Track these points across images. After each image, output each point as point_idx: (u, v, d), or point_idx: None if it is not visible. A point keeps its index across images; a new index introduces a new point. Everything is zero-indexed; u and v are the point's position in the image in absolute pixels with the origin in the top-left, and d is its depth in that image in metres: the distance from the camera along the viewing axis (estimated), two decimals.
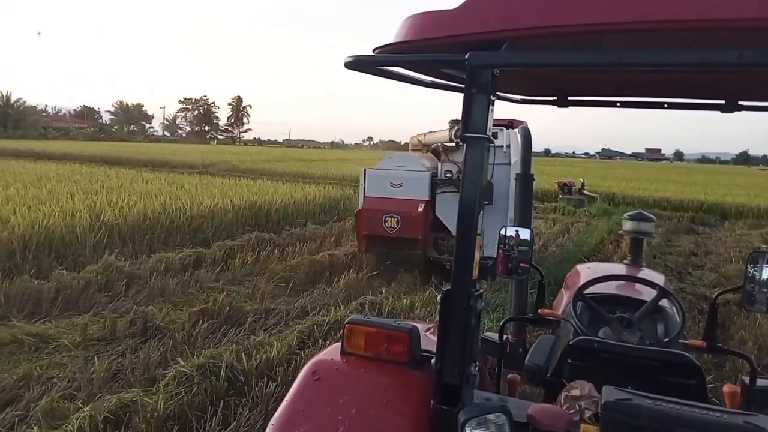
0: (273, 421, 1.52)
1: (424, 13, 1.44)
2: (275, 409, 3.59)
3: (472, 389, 1.49)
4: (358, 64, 1.49)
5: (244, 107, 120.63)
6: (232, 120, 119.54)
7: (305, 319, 5.61)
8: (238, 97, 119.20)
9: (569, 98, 2.67)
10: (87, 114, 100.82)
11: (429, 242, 7.73)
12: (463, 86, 2.10)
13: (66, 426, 3.21)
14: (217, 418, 3.44)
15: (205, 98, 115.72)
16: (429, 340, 1.73)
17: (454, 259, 1.45)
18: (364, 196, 7.99)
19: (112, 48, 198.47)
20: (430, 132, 8.45)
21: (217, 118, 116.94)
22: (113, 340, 4.98)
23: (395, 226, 7.63)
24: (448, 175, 7.49)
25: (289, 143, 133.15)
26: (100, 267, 6.68)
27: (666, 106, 2.51)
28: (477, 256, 1.48)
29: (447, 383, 1.43)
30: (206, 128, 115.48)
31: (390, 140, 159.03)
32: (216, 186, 13.94)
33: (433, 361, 1.52)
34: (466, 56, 1.31)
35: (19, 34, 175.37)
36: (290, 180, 23.84)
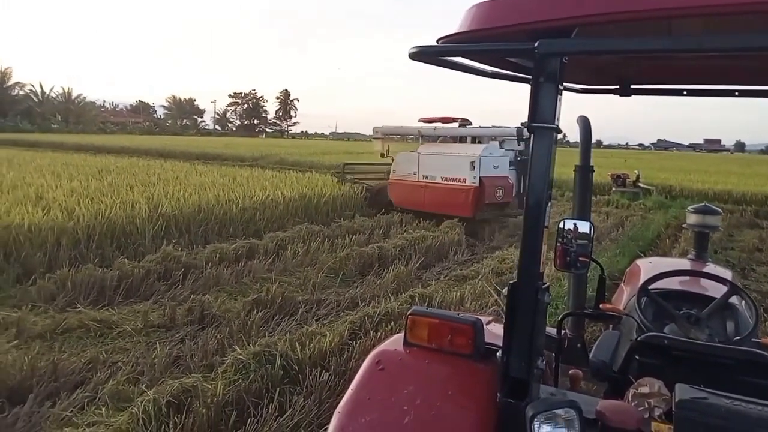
0: (339, 408, 1.54)
1: (490, 1, 1.42)
2: (329, 398, 3.68)
3: (538, 383, 1.47)
4: (422, 54, 1.48)
5: (292, 101, 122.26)
6: (280, 113, 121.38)
7: (355, 311, 5.66)
8: (286, 90, 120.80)
9: (632, 87, 2.58)
10: (142, 109, 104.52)
11: (512, 196, 11.38)
12: (525, 75, 2.07)
13: (131, 408, 3.35)
14: (273, 405, 3.51)
15: (254, 92, 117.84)
16: (490, 333, 1.72)
17: (521, 252, 1.43)
18: (479, 176, 10.67)
19: (164, 44, 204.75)
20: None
21: (265, 111, 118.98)
22: (172, 327, 5.16)
23: (502, 194, 11.03)
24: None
25: (335, 136, 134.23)
26: (159, 256, 6.93)
27: (737, 94, 2.39)
28: (544, 249, 1.46)
29: (513, 377, 1.42)
30: (255, 122, 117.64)
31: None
32: (266, 178, 14.21)
33: (498, 354, 1.50)
34: (536, 44, 1.29)
35: (81, 29, 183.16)
36: (338, 172, 24.08)
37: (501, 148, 11.61)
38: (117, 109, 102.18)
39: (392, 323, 4.96)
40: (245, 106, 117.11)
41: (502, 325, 1.94)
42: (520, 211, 10.86)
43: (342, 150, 45.71)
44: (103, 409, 3.50)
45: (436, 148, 12.35)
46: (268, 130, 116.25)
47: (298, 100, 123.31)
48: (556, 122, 1.40)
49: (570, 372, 2.11)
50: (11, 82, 74.39)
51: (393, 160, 12.74)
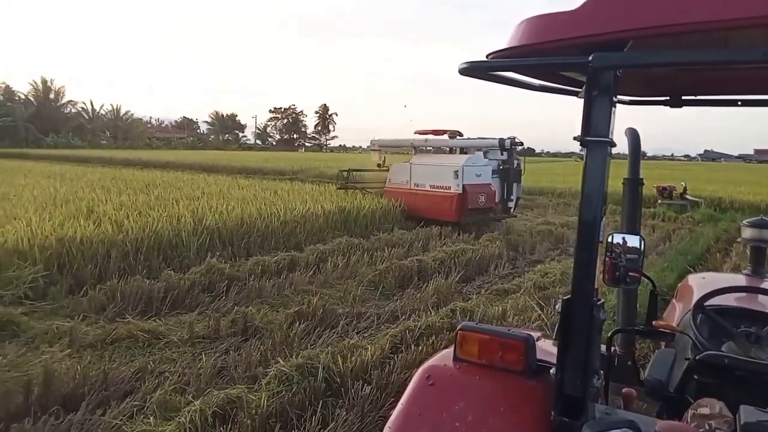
0: (390, 424, 1.54)
1: (541, 16, 1.42)
2: (371, 411, 3.67)
3: (594, 402, 1.44)
4: (472, 70, 1.49)
5: (330, 115, 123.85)
6: (319, 127, 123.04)
7: (396, 324, 5.65)
8: (325, 105, 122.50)
9: (684, 98, 2.52)
10: (186, 125, 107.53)
11: (495, 202, 12.62)
12: (574, 88, 2.05)
13: (179, 418, 3.42)
14: (316, 417, 3.53)
15: (293, 107, 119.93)
16: (541, 349, 1.69)
17: (575, 268, 1.40)
18: (462, 183, 11.91)
19: (207, 62, 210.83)
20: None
21: (304, 126, 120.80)
22: (217, 338, 5.25)
23: (485, 200, 12.23)
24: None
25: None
26: (203, 269, 7.09)
27: None
28: (598, 264, 1.43)
29: (568, 395, 1.39)
30: (294, 136, 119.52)
31: None
32: (306, 192, 14.39)
33: (551, 371, 1.47)
34: (590, 58, 1.27)
35: (129, 49, 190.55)
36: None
37: (485, 158, 12.92)
38: (162, 125, 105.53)
39: (433, 337, 4.92)
40: (285, 120, 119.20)
41: (552, 341, 1.91)
42: (504, 215, 13.22)
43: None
44: (152, 418, 3.58)
45: (425, 159, 13.84)
46: (307, 144, 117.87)
47: (336, 114, 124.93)
48: (610, 136, 1.38)
49: (623, 391, 2.04)
50: (64, 100, 77.98)
51: (389, 169, 14.34)
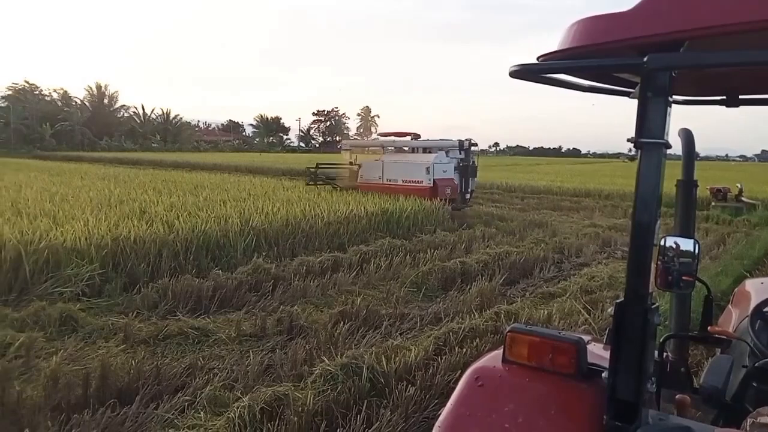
0: (439, 423, 1.55)
1: (594, 17, 1.41)
2: (415, 412, 3.68)
3: (648, 407, 1.41)
4: (523, 73, 1.49)
5: (372, 117, 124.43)
6: (361, 130, 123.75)
7: (439, 326, 5.64)
8: (367, 107, 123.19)
9: (741, 97, 2.43)
10: (232, 128, 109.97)
11: (458, 196, 14.82)
12: (625, 89, 2.02)
13: (228, 413, 3.51)
14: (360, 417, 3.56)
15: (336, 109, 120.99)
16: (591, 353, 1.67)
17: (628, 271, 1.38)
18: (433, 178, 14.25)
19: (252, 66, 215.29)
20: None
21: (347, 128, 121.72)
22: (263, 336, 5.37)
23: (450, 192, 14.45)
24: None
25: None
26: (250, 268, 7.26)
27: None
28: (653, 268, 1.40)
29: (621, 399, 1.37)
30: (337, 138, 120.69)
31: (517, 145, 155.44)
32: (348, 193, 14.53)
33: (604, 375, 1.45)
34: (645, 59, 1.26)
35: (177, 55, 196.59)
36: None
37: (447, 156, 15.10)
38: (209, 128, 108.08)
39: (477, 340, 4.89)
40: (328, 123, 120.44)
41: (602, 345, 1.88)
42: (463, 205, 15.10)
43: None
44: (202, 413, 3.69)
45: (396, 157, 16.18)
46: (405, 148, 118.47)
47: (378, 116, 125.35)
48: (665, 137, 1.36)
49: (677, 397, 1.99)
50: (117, 105, 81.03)
51: (359, 166, 16.52)
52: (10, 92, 70.95)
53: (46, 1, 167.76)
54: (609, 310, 1.43)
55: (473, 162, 15.51)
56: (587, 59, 1.42)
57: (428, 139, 17.03)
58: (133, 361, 4.43)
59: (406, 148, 16.85)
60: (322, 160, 19.45)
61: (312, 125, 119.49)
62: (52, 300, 5.97)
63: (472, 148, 15.49)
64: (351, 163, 17.21)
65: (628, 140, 1.40)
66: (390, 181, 15.34)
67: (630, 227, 1.39)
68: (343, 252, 8.81)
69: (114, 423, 3.59)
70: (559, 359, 1.53)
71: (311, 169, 17.83)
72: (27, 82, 72.70)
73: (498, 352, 1.70)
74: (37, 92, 72.90)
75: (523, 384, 1.54)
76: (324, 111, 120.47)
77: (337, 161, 18.53)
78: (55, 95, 75.02)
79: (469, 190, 15.43)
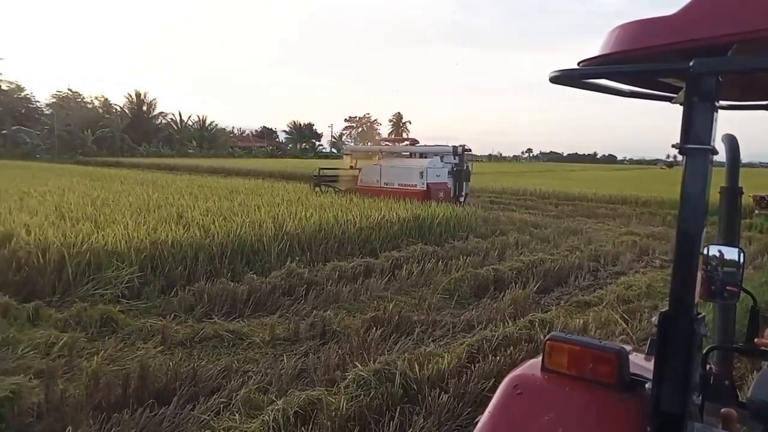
0: (477, 430, 1.54)
1: (637, 21, 1.39)
2: (448, 420, 3.65)
3: (693, 420, 1.37)
4: (564, 78, 1.47)
5: (404, 123, 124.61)
6: (393, 136, 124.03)
7: (472, 333, 5.60)
8: (399, 113, 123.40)
9: None
10: (266, 134, 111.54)
11: (451, 198, 15.58)
12: (667, 94, 1.98)
13: (262, 416, 3.55)
14: (393, 423, 3.55)
15: (368, 116, 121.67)
16: (633, 363, 1.63)
17: (673, 280, 1.35)
18: (426, 182, 15.42)
19: (286, 73, 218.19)
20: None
21: (378, 134, 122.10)
22: (296, 340, 5.41)
23: (443, 195, 15.32)
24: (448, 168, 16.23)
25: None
26: (284, 273, 7.34)
27: None
28: (699, 276, 1.37)
29: (665, 411, 1.33)
30: (368, 144, 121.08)
31: (551, 151, 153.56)
32: (380, 199, 14.57)
33: (647, 386, 1.42)
34: (691, 64, 1.23)
35: (214, 64, 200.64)
36: None
37: (441, 161, 16.32)
38: (244, 134, 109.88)
39: (511, 348, 4.83)
40: (359, 129, 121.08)
41: (644, 356, 1.84)
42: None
43: None
44: (237, 415, 3.74)
45: (393, 162, 17.31)
46: (404, 153, 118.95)
47: (410, 122, 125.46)
48: (712, 143, 1.33)
49: (722, 411, 1.93)
50: (156, 112, 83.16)
51: (360, 170, 17.74)
52: (54, 100, 73.69)
53: (89, 14, 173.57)
54: (653, 319, 1.40)
55: (467, 167, 16.65)
56: (630, 64, 1.40)
57: (424, 145, 18.57)
58: (170, 363, 4.52)
59: (405, 154, 18.14)
60: (326, 166, 20.65)
61: (344, 131, 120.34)
62: (93, 301, 6.15)
63: (466, 154, 16.72)
64: (351, 168, 18.40)
65: (673, 146, 1.37)
66: (387, 184, 16.48)
67: (675, 235, 1.36)
68: (375, 258, 8.83)
69: (152, 423, 3.66)
70: (600, 369, 1.51)
71: (315, 174, 18.95)
72: (70, 90, 75.47)
73: (537, 361, 1.68)
74: (79, 100, 75.47)
75: (563, 393, 1.52)
76: (356, 117, 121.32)
77: (342, 166, 19.69)
78: (96, 102, 77.55)
79: (463, 193, 16.45)
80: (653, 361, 1.50)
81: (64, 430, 3.46)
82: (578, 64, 1.51)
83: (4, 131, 64.09)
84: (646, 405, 1.40)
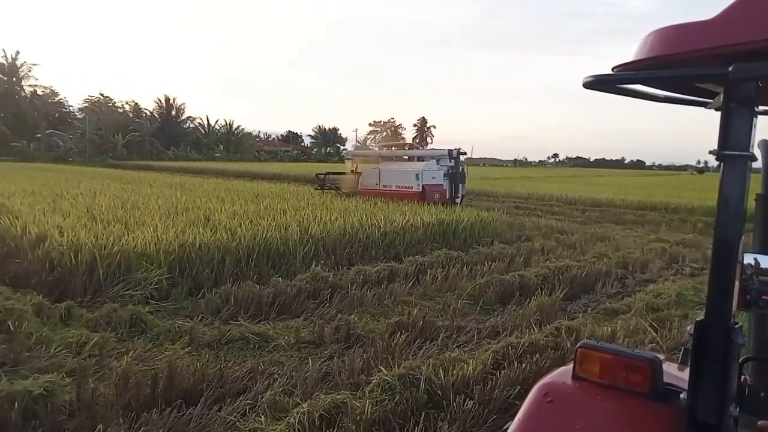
0: None
1: (674, 26, 1.37)
2: (473, 426, 3.62)
3: None
4: (598, 83, 1.46)
5: (429, 127, 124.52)
6: (417, 140, 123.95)
7: (497, 339, 5.55)
8: (423, 118, 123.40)
9: None
10: (291, 138, 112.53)
11: (446, 199, 16.22)
12: (702, 99, 1.94)
13: (288, 418, 3.58)
14: (418, 429, 3.54)
15: (392, 120, 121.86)
16: (667, 373, 1.60)
17: (709, 288, 1.32)
18: (422, 184, 16.10)
19: (310, 78, 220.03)
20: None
21: (402, 138, 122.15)
22: (321, 344, 5.44)
23: (438, 197, 15.96)
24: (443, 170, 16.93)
25: (470, 161, 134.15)
26: (309, 276, 7.38)
27: None
28: (737, 285, 1.34)
29: (701, 422, 1.31)
30: (393, 148, 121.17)
31: (578, 156, 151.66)
32: (405, 203, 14.56)
33: (682, 396, 1.39)
34: (730, 68, 1.21)
35: (240, 70, 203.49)
36: (474, 198, 23.99)
37: (438, 164, 17.00)
38: (269, 138, 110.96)
39: (537, 355, 4.78)
40: (384, 133, 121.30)
41: (677, 365, 1.80)
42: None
43: (477, 176, 45.47)
44: (262, 417, 3.77)
45: (391, 165, 18.22)
46: (404, 157, 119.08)
47: (434, 127, 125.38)
48: (750, 149, 1.30)
49: (759, 423, 1.88)
50: (184, 116, 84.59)
51: (360, 174, 18.57)
52: (86, 104, 75.60)
53: (121, 20, 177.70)
54: (688, 328, 1.38)
55: (462, 169, 17.40)
56: (667, 69, 1.38)
57: (421, 149, 20.68)
58: (197, 364, 4.58)
59: (404, 157, 19.19)
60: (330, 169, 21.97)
61: (368, 135, 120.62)
62: (123, 302, 6.27)
63: (461, 157, 17.56)
64: (352, 171, 19.31)
65: (711, 152, 1.35)
66: (385, 186, 17.29)
67: (712, 243, 1.34)
68: (399, 262, 8.83)
69: (180, 423, 3.72)
70: (633, 377, 1.48)
71: (320, 176, 20.39)
72: (102, 95, 77.36)
73: (567, 368, 1.66)
74: (110, 104, 77.22)
75: (595, 402, 1.50)
76: (380, 121, 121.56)
77: (344, 170, 20.76)
78: (127, 107, 79.31)
79: (459, 195, 17.11)
80: (688, 370, 1.47)
81: (95, 428, 3.54)
82: (612, 69, 1.49)
83: (39, 135, 65.93)
84: (681, 415, 1.37)
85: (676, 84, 1.73)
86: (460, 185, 17.20)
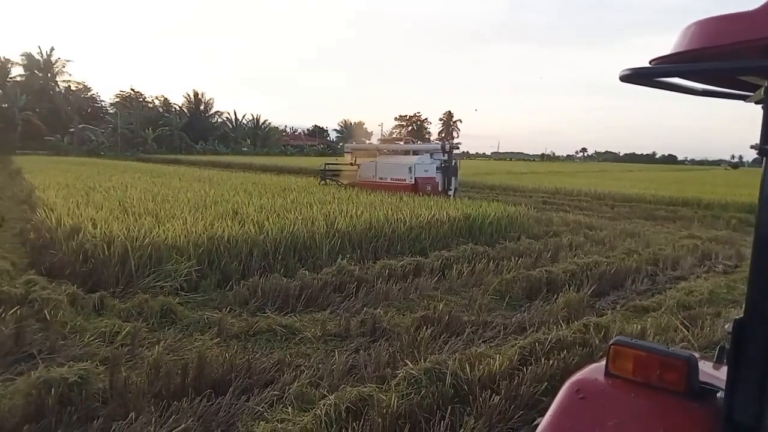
0: None
1: (715, 18, 1.33)
2: (500, 422, 3.60)
3: None
4: (636, 77, 1.43)
5: (455, 122, 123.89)
6: (443, 134, 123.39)
7: (524, 335, 5.51)
8: (449, 112, 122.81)
9: None
10: (317, 132, 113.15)
11: (439, 191, 17.14)
12: (742, 92, 1.89)
13: (315, 410, 3.61)
14: (444, 423, 3.54)
15: (418, 114, 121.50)
16: (702, 372, 1.57)
17: (749, 286, 1.29)
18: (414, 177, 17.13)
19: (337, 74, 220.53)
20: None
21: (428, 133, 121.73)
22: (347, 336, 5.47)
23: (430, 189, 16.80)
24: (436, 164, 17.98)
25: (497, 156, 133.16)
26: (335, 270, 7.42)
27: None
28: None
29: (738, 422, 1.28)
30: (418, 142, 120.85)
31: (607, 151, 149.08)
32: (430, 197, 14.53)
33: (718, 395, 1.37)
34: None
35: (268, 64, 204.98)
36: (501, 192, 23.79)
37: (431, 158, 18.05)
38: (296, 133, 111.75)
39: (565, 352, 4.73)
40: (410, 128, 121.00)
41: (712, 364, 1.77)
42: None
43: (504, 170, 45.07)
44: (290, 408, 3.81)
45: (387, 159, 19.28)
46: (401, 151, 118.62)
47: (460, 121, 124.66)
48: None
49: None
50: (212, 111, 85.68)
51: (358, 167, 19.76)
52: (118, 99, 77.17)
53: (152, 17, 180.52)
54: (725, 326, 1.34)
55: (455, 163, 18.39)
56: (707, 62, 1.35)
57: (417, 143, 22.22)
58: (226, 355, 4.65)
59: (401, 151, 20.41)
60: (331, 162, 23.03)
61: (394, 130, 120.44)
62: (153, 293, 6.40)
63: (454, 151, 18.69)
64: (351, 164, 20.64)
65: (752, 147, 1.31)
66: (381, 179, 18.35)
67: (753, 240, 1.30)
68: (424, 257, 8.81)
69: (209, 412, 3.79)
70: (667, 375, 1.46)
71: (322, 168, 21.61)
72: (133, 90, 78.81)
73: (600, 365, 1.64)
74: (141, 99, 78.67)
75: (628, 399, 1.48)
76: (406, 116, 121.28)
77: (344, 162, 22.10)
78: (156, 102, 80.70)
79: (452, 187, 18.05)
80: (724, 369, 1.44)
81: (127, 416, 3.63)
82: (650, 62, 1.46)
83: (72, 129, 67.55)
84: (717, 415, 1.34)
85: (717, 77, 1.68)
86: (453, 178, 18.16)
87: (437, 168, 17.88)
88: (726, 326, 1.34)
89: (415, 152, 19.27)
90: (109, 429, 3.53)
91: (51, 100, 69.99)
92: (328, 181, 20.43)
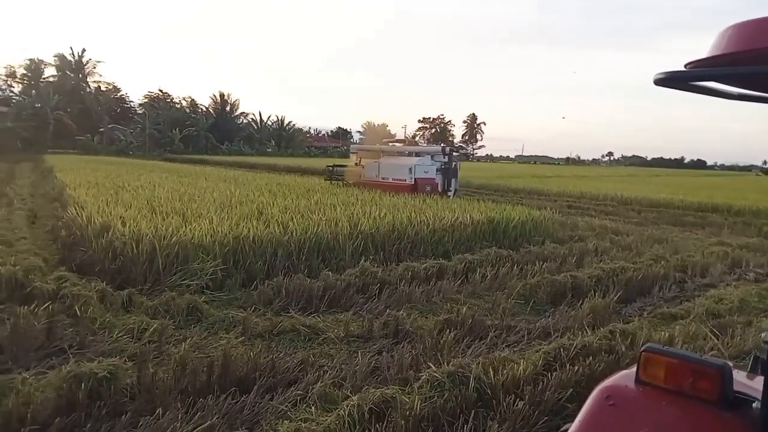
0: None
1: (755, 20, 1.31)
2: (523, 427, 3.57)
3: None
4: (671, 80, 1.41)
5: (478, 124, 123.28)
6: (467, 137, 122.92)
7: (548, 341, 5.46)
8: (473, 114, 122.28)
9: None
10: (341, 134, 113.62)
11: (438, 191, 17.63)
12: None
13: (338, 410, 3.62)
14: (468, 427, 3.53)
15: (442, 117, 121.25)
16: (736, 381, 1.54)
17: None
18: (414, 177, 17.85)
19: (360, 76, 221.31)
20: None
21: (452, 135, 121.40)
22: (370, 338, 5.48)
23: (430, 189, 17.39)
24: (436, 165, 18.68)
25: (521, 159, 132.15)
26: (358, 271, 7.45)
27: None
28: None
29: None
30: (441, 145, 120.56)
31: (634, 155, 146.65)
32: (454, 200, 14.47)
33: (754, 405, 1.34)
34: None
35: (292, 67, 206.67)
36: (525, 196, 23.58)
37: (432, 160, 18.75)
38: (320, 134, 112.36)
39: (590, 358, 4.67)
40: (433, 130, 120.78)
41: (746, 373, 1.73)
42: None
43: (528, 173, 44.65)
44: (313, 408, 3.84)
45: (389, 160, 19.88)
46: (405, 152, 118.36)
47: (484, 124, 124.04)
48: None
49: None
50: (238, 112, 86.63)
51: (363, 167, 20.60)
52: (146, 100, 78.56)
53: (179, 19, 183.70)
54: (762, 335, 1.32)
55: (455, 165, 19.17)
56: (745, 66, 1.32)
57: (418, 145, 22.79)
58: (250, 353, 4.70)
59: (404, 153, 20.77)
60: (462, 169, 22.73)
61: (417, 132, 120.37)
62: (180, 291, 6.49)
63: (454, 153, 19.52)
64: (356, 164, 21.56)
65: None
66: (384, 179, 18.99)
67: None
68: (447, 260, 8.78)
69: (234, 410, 3.83)
70: (700, 384, 1.43)
71: (329, 167, 22.93)
72: (161, 91, 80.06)
73: (630, 372, 1.62)
74: (168, 100, 79.92)
75: (659, 407, 1.46)
76: (430, 118, 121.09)
77: (349, 163, 23.03)
78: (184, 103, 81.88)
79: (451, 188, 18.80)
80: (758, 379, 1.41)
81: (154, 411, 3.70)
82: (685, 66, 1.44)
83: (102, 129, 68.97)
84: (752, 425, 1.31)
85: (754, 81, 1.65)
86: (453, 179, 19.03)
87: (437, 170, 18.54)
88: (763, 335, 1.31)
89: (417, 154, 19.86)
90: (136, 424, 3.60)
91: (82, 100, 71.53)
92: (333, 181, 21.27)
